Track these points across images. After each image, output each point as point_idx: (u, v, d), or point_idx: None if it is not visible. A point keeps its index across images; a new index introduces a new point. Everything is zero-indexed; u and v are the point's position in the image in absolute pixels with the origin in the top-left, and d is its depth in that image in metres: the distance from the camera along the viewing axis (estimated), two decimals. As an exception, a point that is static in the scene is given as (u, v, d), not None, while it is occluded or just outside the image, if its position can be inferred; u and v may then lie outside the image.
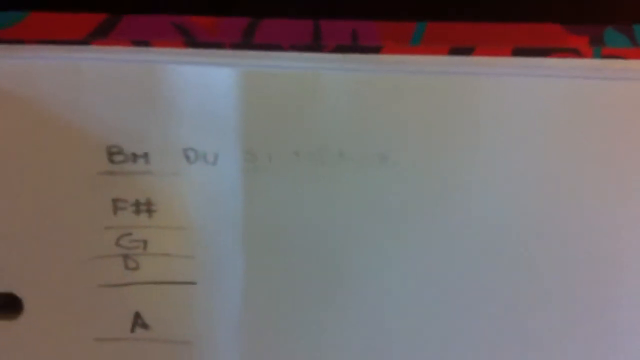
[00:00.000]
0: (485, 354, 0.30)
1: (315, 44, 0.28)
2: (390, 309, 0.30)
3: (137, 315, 0.30)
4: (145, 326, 0.30)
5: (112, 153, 0.28)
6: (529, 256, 0.29)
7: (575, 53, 0.28)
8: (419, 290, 0.30)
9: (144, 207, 0.29)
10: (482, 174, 0.28)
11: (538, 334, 0.30)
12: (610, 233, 0.29)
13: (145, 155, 0.28)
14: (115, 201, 0.28)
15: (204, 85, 0.27)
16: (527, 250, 0.29)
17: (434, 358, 0.30)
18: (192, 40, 0.28)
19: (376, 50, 0.28)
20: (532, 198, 0.28)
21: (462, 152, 0.28)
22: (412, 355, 0.30)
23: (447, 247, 0.29)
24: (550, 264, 0.29)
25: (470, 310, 0.30)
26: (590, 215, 0.29)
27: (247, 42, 0.28)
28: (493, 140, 0.28)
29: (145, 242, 0.29)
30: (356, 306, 0.30)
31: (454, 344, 0.30)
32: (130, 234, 0.29)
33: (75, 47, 0.27)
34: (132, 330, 0.30)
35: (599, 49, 0.28)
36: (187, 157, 0.28)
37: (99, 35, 0.27)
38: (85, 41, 0.27)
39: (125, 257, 0.29)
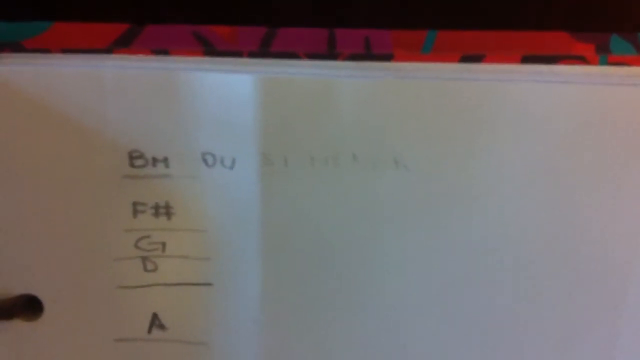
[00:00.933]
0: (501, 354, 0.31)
1: (330, 52, 0.29)
2: (404, 306, 0.30)
3: (155, 317, 0.31)
4: (162, 327, 0.31)
5: (134, 157, 0.29)
6: (539, 258, 0.30)
7: (582, 60, 0.29)
8: (432, 290, 0.30)
9: (163, 210, 0.29)
10: (492, 177, 0.29)
11: (557, 334, 0.31)
12: (618, 236, 0.30)
13: (165, 160, 0.29)
14: (135, 204, 0.29)
15: (223, 91, 0.28)
16: (536, 251, 0.30)
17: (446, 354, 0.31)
18: (211, 49, 0.29)
19: (388, 58, 0.29)
20: (540, 199, 0.29)
21: (471, 156, 0.29)
22: (429, 354, 0.31)
23: (458, 249, 0.30)
24: (562, 267, 0.30)
25: (480, 307, 0.30)
26: (595, 215, 0.29)
27: (264, 50, 0.29)
28: (502, 144, 0.29)
29: (163, 245, 0.30)
30: (371, 305, 0.30)
31: (465, 342, 0.31)
32: (149, 236, 0.30)
33: (98, 56, 0.28)
34: (149, 331, 0.31)
35: (604, 56, 0.29)
36: (206, 162, 0.29)
37: (121, 45, 0.28)
38: (108, 50, 0.28)
39: (144, 259, 0.30)
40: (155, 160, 0.29)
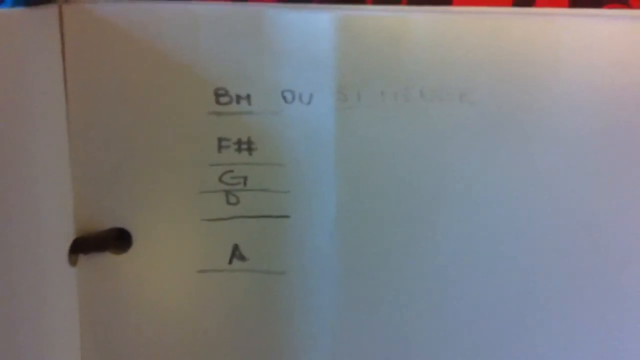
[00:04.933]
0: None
1: (395, -4, 0.32)
2: (473, 230, 0.33)
3: (236, 248, 0.33)
4: (242, 258, 0.33)
5: (219, 95, 0.31)
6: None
7: (625, 4, 0.32)
8: (496, 215, 0.33)
9: (245, 145, 0.32)
10: (549, 107, 0.32)
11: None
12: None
13: (248, 97, 0.31)
14: (220, 140, 0.32)
15: (304, 30, 0.30)
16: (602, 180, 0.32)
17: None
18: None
19: (447, 2, 0.32)
20: (595, 128, 0.32)
21: (527, 89, 0.31)
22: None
23: (522, 179, 0.32)
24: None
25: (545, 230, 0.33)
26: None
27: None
28: (555, 77, 0.31)
29: (245, 179, 0.32)
30: (442, 230, 0.33)
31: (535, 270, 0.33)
32: (232, 170, 0.32)
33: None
34: (230, 261, 0.33)
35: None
36: (285, 98, 0.31)
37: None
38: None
39: (227, 192, 0.32)
40: (239, 98, 0.31)
